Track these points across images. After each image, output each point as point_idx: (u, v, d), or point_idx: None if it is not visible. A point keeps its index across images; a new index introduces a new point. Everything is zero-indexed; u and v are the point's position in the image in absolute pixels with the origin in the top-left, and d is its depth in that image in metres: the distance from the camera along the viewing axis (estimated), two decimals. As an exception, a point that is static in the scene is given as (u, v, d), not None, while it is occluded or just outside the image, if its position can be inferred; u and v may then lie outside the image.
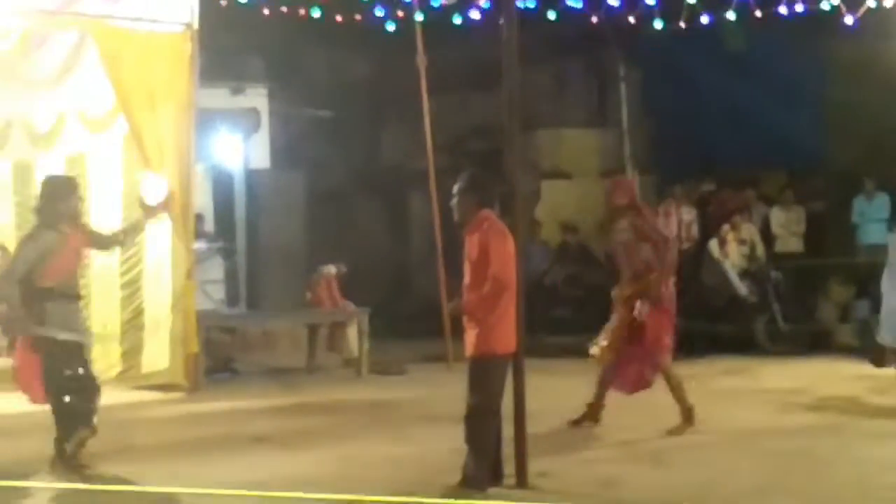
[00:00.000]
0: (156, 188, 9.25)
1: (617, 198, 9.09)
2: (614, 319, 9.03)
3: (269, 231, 13.18)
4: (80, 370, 7.79)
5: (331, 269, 14.00)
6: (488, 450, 6.96)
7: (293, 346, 14.81)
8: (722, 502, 6.49)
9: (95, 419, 7.77)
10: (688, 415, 8.90)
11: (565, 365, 13.21)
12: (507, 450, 7.09)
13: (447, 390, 8.55)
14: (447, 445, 7.34)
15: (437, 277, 12.94)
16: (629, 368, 9.02)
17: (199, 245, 13.29)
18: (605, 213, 9.89)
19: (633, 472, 7.60)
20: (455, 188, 7.16)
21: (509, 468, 7.09)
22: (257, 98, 16.50)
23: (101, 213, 11.61)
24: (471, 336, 6.99)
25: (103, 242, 8.63)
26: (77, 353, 7.84)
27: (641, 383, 9.06)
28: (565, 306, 16.37)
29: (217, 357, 13.39)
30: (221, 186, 16.11)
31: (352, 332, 13.57)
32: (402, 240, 19.85)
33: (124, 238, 8.93)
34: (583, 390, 9.20)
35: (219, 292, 14.20)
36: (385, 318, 14.27)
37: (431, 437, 8.61)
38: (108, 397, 8.03)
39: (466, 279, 7.06)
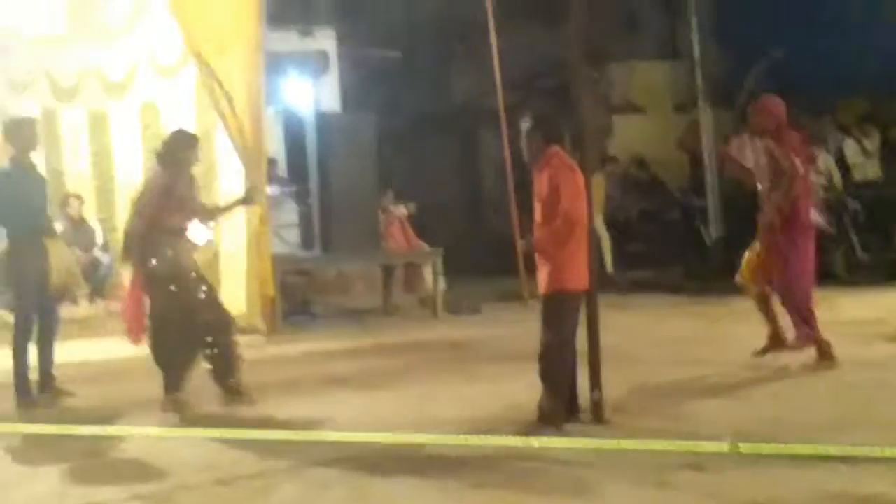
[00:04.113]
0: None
1: (762, 119, 8.81)
2: (756, 246, 8.96)
3: (340, 173, 13.17)
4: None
5: (401, 209, 14.05)
6: (563, 386, 6.96)
7: (368, 287, 14.92)
8: (799, 435, 6.41)
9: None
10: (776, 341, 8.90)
11: (639, 300, 13.19)
12: (582, 386, 7.09)
13: (522, 328, 8.55)
14: (523, 383, 7.36)
15: (509, 215, 12.90)
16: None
17: (273, 189, 13.39)
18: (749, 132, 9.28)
19: (710, 406, 7.56)
20: (522, 127, 7.12)
21: (584, 404, 7.09)
22: (326, 40, 16.47)
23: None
24: (543, 273, 6.98)
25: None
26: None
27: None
28: (640, 241, 16.27)
29: (294, 300, 13.54)
30: (292, 130, 16.17)
31: (427, 273, 13.63)
32: (474, 179, 19.82)
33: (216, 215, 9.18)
34: (658, 324, 9.12)
35: (293, 236, 14.32)
36: (459, 257, 14.29)
37: (507, 375, 8.63)
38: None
39: (537, 216, 7.03)
